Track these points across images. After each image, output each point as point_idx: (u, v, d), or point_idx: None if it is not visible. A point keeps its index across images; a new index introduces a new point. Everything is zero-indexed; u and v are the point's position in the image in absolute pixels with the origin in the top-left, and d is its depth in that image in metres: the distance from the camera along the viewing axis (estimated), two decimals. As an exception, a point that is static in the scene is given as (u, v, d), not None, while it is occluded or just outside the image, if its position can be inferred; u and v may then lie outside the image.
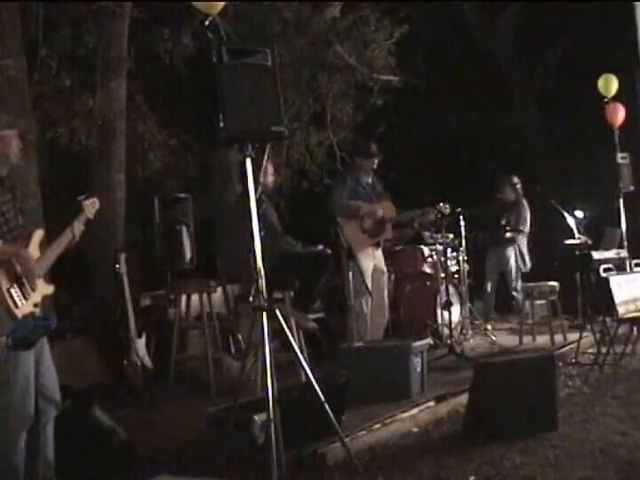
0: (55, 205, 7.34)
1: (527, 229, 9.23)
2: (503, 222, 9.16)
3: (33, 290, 3.85)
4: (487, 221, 9.08)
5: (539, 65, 14.02)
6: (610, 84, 8.86)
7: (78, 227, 4.14)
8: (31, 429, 3.90)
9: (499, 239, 9.16)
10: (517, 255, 9.16)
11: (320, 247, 6.69)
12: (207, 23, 4.15)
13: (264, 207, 6.17)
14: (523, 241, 9.23)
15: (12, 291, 3.75)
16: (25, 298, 3.80)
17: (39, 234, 4.00)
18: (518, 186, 9.32)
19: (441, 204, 7.44)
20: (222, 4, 4.28)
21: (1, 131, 4.00)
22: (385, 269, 7.38)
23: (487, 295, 9.33)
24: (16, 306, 3.74)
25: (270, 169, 6.62)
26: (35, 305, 3.84)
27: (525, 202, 9.29)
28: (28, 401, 3.83)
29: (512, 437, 4.66)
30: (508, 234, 9.11)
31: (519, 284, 9.04)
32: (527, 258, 9.22)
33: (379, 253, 7.31)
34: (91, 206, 4.26)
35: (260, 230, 5.86)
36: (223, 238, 8.88)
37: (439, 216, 7.53)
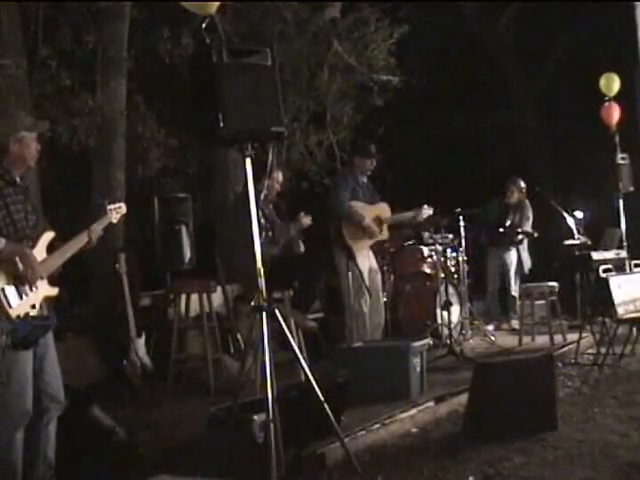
0: (55, 205, 7.34)
1: (530, 229, 9.19)
2: (508, 223, 9.12)
3: (32, 291, 3.79)
4: (488, 222, 9.04)
5: (538, 65, 14.02)
6: (612, 83, 8.83)
7: (97, 231, 4.11)
8: (33, 428, 3.89)
9: (500, 241, 9.12)
10: (519, 257, 9.13)
11: (304, 218, 6.61)
12: (204, 25, 4.09)
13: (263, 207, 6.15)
14: (524, 242, 9.20)
15: (7, 290, 3.69)
16: (21, 298, 3.74)
17: (48, 236, 3.96)
18: (524, 188, 9.27)
19: (425, 206, 7.47)
20: (216, 4, 4.22)
21: (20, 133, 3.90)
22: (378, 268, 7.39)
23: (490, 297, 9.29)
24: (10, 306, 3.68)
25: (279, 177, 6.57)
26: (32, 306, 3.78)
27: (529, 203, 9.26)
28: (26, 398, 3.81)
29: (511, 437, 4.66)
30: (520, 236, 9.06)
31: (517, 285, 9.03)
32: (528, 260, 9.19)
33: (371, 253, 7.33)
34: (115, 211, 4.24)
35: (269, 230, 5.90)
36: (225, 238, 8.86)
37: (425, 218, 7.57)
